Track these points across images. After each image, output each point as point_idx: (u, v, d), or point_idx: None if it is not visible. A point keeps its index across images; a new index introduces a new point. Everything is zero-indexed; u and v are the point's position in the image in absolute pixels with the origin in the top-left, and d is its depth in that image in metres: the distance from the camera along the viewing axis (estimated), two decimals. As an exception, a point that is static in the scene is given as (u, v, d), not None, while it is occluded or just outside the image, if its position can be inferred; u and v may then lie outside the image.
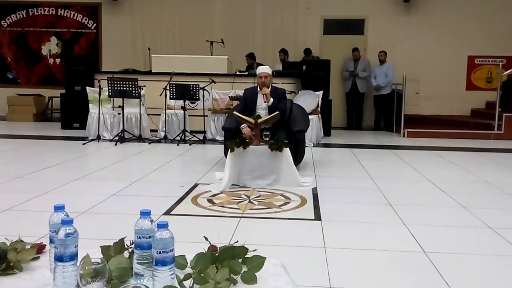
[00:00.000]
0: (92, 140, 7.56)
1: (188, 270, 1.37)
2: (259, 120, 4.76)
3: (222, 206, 3.91)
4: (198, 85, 7.52)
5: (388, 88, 10.00)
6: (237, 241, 1.52)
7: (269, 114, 4.95)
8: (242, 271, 1.35)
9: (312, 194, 4.35)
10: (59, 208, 1.42)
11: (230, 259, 1.39)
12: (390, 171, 5.78)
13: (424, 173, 5.46)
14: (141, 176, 4.96)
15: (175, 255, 1.30)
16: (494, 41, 10.26)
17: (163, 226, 1.27)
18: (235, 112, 5.05)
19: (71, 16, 11.17)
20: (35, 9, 11.19)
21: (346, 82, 10.46)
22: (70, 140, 7.76)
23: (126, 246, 1.44)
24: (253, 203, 4.03)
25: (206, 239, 1.57)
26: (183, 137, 7.50)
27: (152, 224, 1.32)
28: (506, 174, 5.71)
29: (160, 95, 7.50)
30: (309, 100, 7.80)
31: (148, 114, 8.18)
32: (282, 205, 4.00)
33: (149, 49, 9.88)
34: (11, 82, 11.34)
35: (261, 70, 5.30)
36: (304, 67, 9.16)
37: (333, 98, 9.47)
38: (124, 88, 7.41)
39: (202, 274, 1.31)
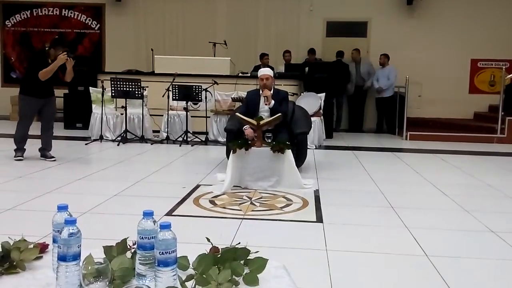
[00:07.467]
0: (94, 140, 7.58)
1: (190, 271, 1.37)
2: (261, 122, 4.76)
3: (224, 208, 3.91)
4: (201, 86, 7.52)
5: (390, 91, 9.96)
6: (239, 243, 1.52)
7: (271, 116, 4.95)
8: (244, 272, 1.35)
9: (314, 196, 4.35)
10: (62, 208, 1.42)
11: (232, 260, 1.39)
12: (392, 174, 5.77)
13: (427, 176, 5.45)
14: (143, 177, 4.97)
15: (177, 256, 1.31)
16: (497, 44, 10.23)
17: (166, 227, 1.28)
18: (237, 114, 5.04)
19: (75, 17, 11.19)
20: (39, 9, 11.21)
21: (349, 85, 10.35)
22: (72, 140, 7.76)
23: (128, 247, 1.44)
24: (254, 204, 4.03)
25: (208, 240, 1.58)
26: (185, 138, 7.51)
27: (154, 224, 1.33)
28: (508, 178, 5.70)
29: (163, 96, 7.51)
30: (311, 102, 7.80)
31: (150, 115, 8.18)
32: (283, 207, 4.00)
33: (152, 50, 9.89)
34: (14, 82, 11.34)
35: (262, 72, 5.28)
36: (307, 69, 9.16)
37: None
38: (127, 89, 7.43)
39: (204, 275, 1.31)
